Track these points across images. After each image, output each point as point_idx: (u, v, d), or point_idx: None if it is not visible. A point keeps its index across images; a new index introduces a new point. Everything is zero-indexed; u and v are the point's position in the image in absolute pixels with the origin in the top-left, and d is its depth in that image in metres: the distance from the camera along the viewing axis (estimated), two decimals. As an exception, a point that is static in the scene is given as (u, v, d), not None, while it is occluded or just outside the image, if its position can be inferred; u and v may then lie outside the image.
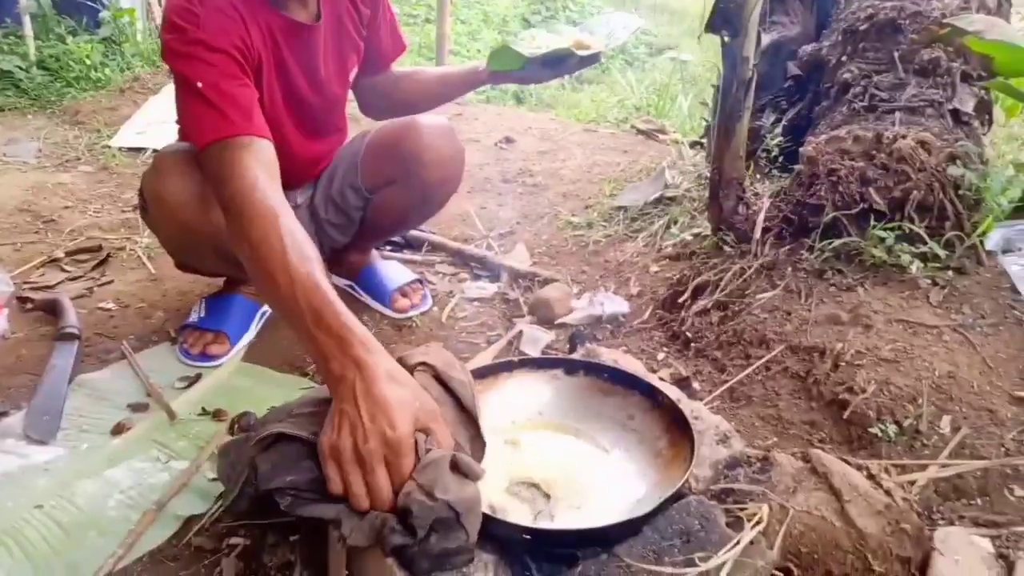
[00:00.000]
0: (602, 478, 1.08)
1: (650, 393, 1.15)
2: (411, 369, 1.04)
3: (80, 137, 3.14)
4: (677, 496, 0.98)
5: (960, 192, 1.55)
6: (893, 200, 1.55)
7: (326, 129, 1.81)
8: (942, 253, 1.50)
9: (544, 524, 1.00)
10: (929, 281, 1.48)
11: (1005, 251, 1.52)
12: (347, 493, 0.90)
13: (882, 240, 1.51)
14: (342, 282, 2.05)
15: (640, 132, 3.45)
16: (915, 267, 1.49)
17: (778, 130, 2.20)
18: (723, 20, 1.67)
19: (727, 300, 1.62)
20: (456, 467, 0.92)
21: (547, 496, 1.04)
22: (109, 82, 3.66)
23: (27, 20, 3.68)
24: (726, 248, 1.76)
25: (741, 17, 1.65)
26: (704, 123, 2.85)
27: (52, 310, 1.85)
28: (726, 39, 1.67)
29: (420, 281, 2.02)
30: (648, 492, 1.04)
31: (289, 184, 1.71)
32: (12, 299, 1.88)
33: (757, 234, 1.69)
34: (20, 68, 3.54)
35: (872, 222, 1.55)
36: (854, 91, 1.95)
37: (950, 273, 1.50)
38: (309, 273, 1.04)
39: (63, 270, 2.12)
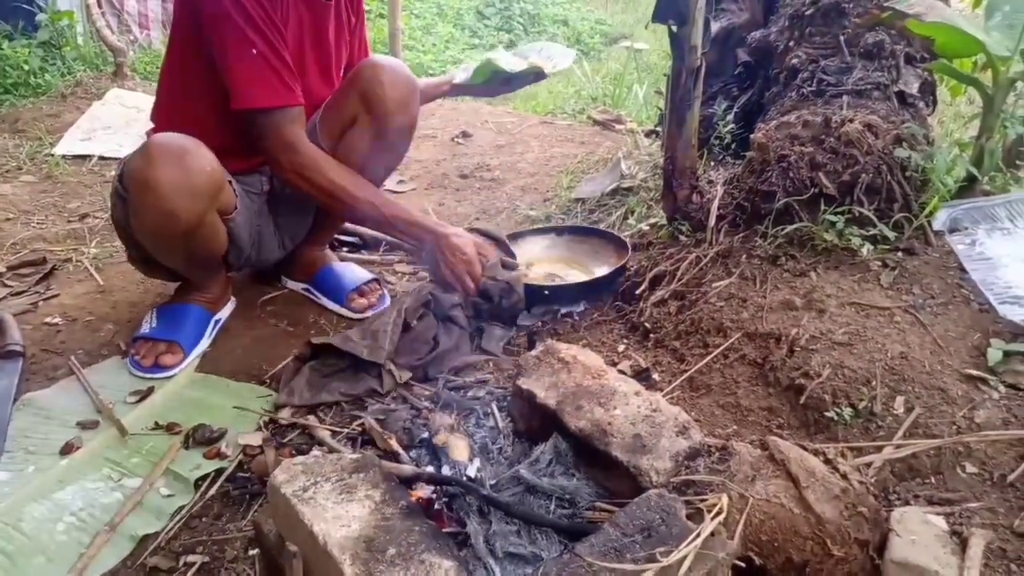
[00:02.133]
0: (583, 273, 1.98)
1: (603, 235, 2.05)
2: (469, 230, 1.86)
3: (21, 146, 3.03)
4: (621, 270, 1.85)
5: (907, 174, 1.57)
6: (843, 184, 1.57)
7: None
8: (891, 235, 1.52)
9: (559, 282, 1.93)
10: (880, 263, 1.50)
11: (952, 230, 1.55)
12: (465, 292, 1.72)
13: (833, 224, 1.53)
14: (298, 286, 2.02)
15: (597, 123, 3.45)
16: (866, 250, 1.50)
17: (730, 117, 2.21)
18: (669, 9, 1.67)
19: (684, 290, 1.62)
20: (505, 265, 1.77)
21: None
22: (50, 88, 3.53)
23: (-42, 26, 3.54)
24: (682, 237, 1.77)
25: (688, 5, 1.64)
26: (659, 112, 2.86)
27: (-6, 328, 1.78)
28: (674, 28, 1.67)
29: (378, 280, 1.99)
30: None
31: (256, 168, 1.80)
32: (-50, 319, 1.81)
33: (711, 222, 1.69)
34: (-46, 76, 3.40)
35: (823, 206, 1.57)
36: (802, 76, 1.96)
37: (900, 254, 1.52)
38: (378, 196, 1.71)
39: (5, 285, 2.05)
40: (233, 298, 1.91)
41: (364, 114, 1.71)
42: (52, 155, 2.95)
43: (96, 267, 2.14)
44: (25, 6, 3.76)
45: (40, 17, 3.74)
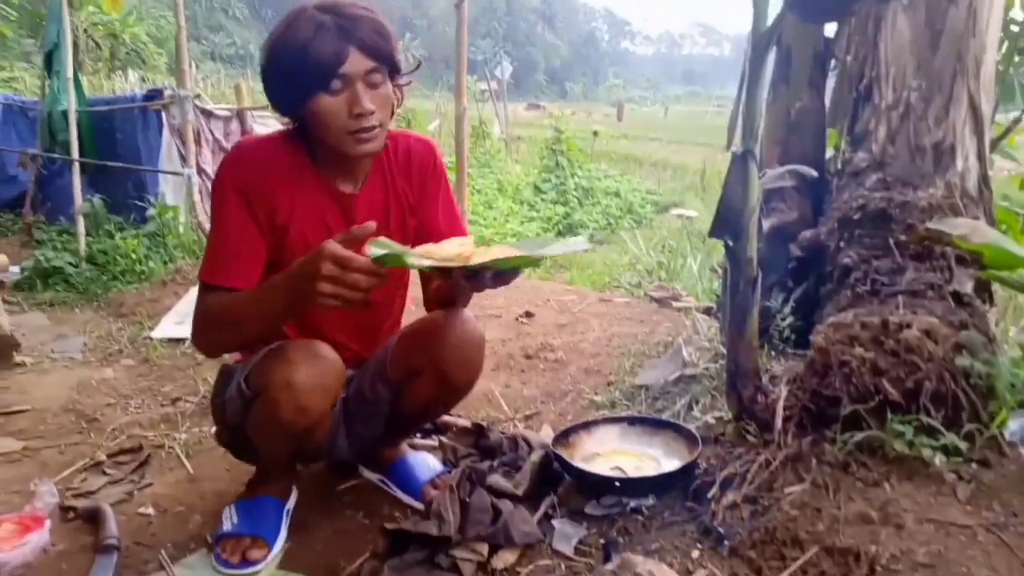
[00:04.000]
0: (655, 465, 1.96)
1: (676, 428, 2.01)
2: None
3: (123, 329, 3.32)
4: (692, 466, 1.83)
5: (971, 381, 1.60)
6: (907, 391, 1.61)
7: (364, 324, 1.92)
8: (962, 445, 1.53)
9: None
10: (954, 475, 1.50)
11: (1025, 440, 1.55)
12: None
13: (901, 434, 1.55)
14: (374, 476, 2.09)
15: (654, 300, 3.59)
16: (938, 460, 1.51)
17: (787, 309, 2.30)
18: (724, 226, 1.81)
19: (756, 494, 1.63)
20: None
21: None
22: (152, 274, 3.91)
23: (80, 220, 4.01)
24: (749, 437, 1.80)
25: (741, 224, 1.79)
26: (715, 296, 2.98)
27: (93, 519, 1.89)
28: (730, 243, 1.81)
29: (451, 471, 2.05)
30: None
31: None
32: (55, 510, 1.94)
33: (778, 424, 1.73)
34: (71, 264, 3.81)
35: (890, 413, 1.60)
36: (855, 275, 2.06)
37: (974, 466, 1.52)
38: (251, 295, 1.60)
39: (104, 473, 2.18)
40: (295, 486, 1.98)
41: (431, 371, 1.83)
42: (150, 339, 3.21)
43: (187, 453, 2.27)
44: (137, 202, 4.26)
45: (150, 212, 4.21)
